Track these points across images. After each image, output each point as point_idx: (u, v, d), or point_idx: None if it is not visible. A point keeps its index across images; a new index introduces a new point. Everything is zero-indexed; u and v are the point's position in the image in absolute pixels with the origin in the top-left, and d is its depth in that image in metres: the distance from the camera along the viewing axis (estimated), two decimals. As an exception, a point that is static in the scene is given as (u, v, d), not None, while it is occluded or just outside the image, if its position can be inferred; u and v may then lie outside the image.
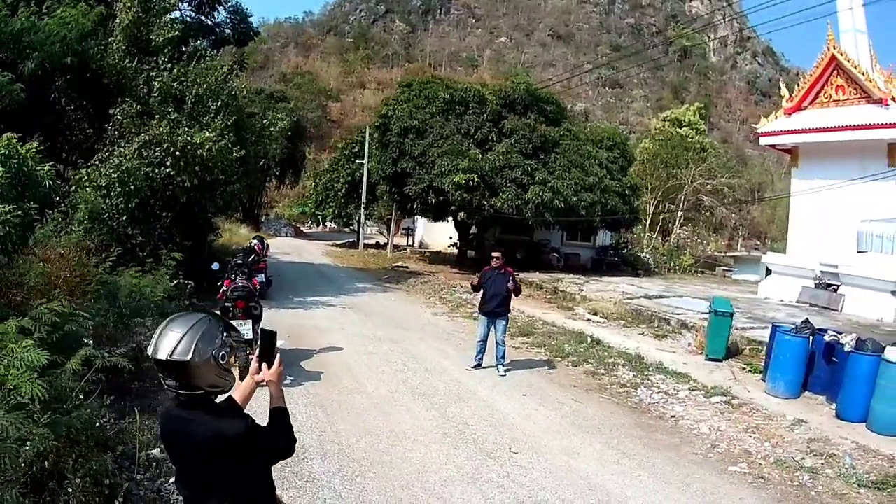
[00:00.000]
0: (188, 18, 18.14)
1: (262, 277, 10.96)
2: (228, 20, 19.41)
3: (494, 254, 9.26)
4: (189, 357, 2.08)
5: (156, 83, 12.98)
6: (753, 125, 21.62)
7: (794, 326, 8.96)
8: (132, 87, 13.03)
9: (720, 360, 10.17)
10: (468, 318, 13.70)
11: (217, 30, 19.18)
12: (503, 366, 9.09)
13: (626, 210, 24.53)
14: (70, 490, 3.69)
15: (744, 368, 9.90)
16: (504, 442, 6.22)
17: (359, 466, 5.41)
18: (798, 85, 18.07)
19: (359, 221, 41.46)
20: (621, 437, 6.63)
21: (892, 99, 15.00)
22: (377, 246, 39.58)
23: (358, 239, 40.39)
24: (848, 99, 16.39)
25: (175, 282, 9.27)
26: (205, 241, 16.91)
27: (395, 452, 5.79)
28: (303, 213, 58.41)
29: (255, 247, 11.25)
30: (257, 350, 2.46)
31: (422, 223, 37.93)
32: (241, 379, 2.48)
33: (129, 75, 13.04)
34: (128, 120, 12.24)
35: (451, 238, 30.11)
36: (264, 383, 2.40)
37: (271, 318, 9.62)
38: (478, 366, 9.16)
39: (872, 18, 16.85)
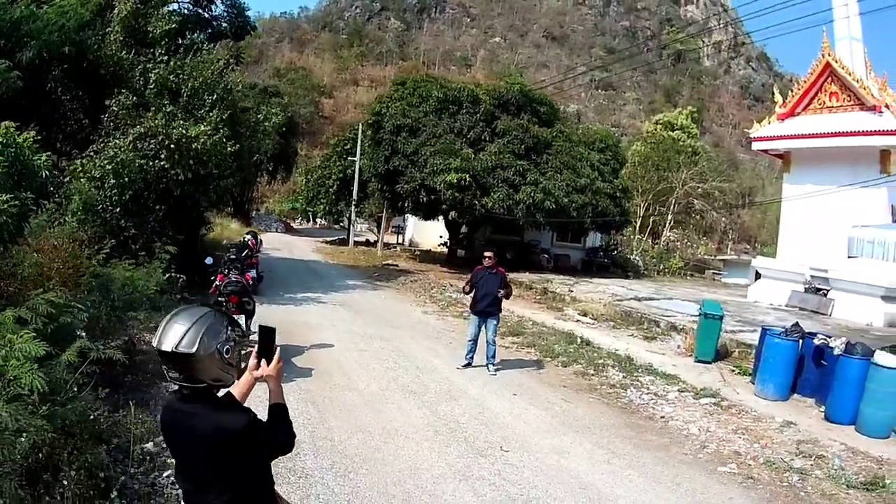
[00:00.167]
0: (185, 11, 18.13)
1: (253, 273, 10.93)
2: (225, 14, 19.45)
3: (486, 254, 9.30)
4: (194, 349, 2.09)
5: (152, 75, 12.91)
6: (746, 130, 21.77)
7: (783, 329, 9.05)
8: (128, 78, 12.94)
9: (709, 363, 10.26)
10: (458, 317, 13.74)
11: (214, 23, 19.18)
12: (493, 365, 9.13)
13: (617, 212, 24.70)
14: (65, 483, 3.68)
15: (733, 371, 9.99)
16: (495, 440, 6.25)
17: (351, 463, 5.42)
18: (791, 91, 18.26)
19: (349, 219, 41.43)
20: (611, 437, 6.68)
21: (886, 106, 15.19)
22: (367, 243, 39.55)
23: (348, 236, 40.37)
24: (841, 105, 16.57)
25: (167, 275, 9.22)
26: (197, 235, 16.83)
27: (386, 449, 5.81)
28: (293, 209, 58.33)
29: (249, 242, 11.18)
30: (256, 346, 2.46)
31: (412, 221, 37.85)
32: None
33: (125, 66, 12.96)
34: (123, 111, 12.15)
35: (441, 237, 30.12)
36: (263, 379, 2.41)
37: (262, 313, 9.57)
38: (468, 365, 9.18)
39: (868, 27, 17.03)
